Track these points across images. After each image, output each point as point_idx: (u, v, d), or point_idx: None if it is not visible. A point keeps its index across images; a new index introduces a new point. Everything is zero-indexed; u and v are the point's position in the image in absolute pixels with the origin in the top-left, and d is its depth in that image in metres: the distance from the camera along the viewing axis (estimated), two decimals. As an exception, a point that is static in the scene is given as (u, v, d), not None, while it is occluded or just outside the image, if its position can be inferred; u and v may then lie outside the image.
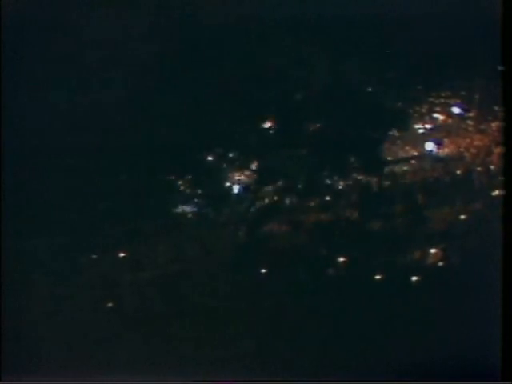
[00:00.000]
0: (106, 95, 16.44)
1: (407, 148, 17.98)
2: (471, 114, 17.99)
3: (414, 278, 12.25)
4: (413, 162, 17.82)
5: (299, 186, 16.83)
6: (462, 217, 15.32)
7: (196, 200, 16.46)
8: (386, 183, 17.11)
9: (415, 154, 17.91)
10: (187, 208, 16.37)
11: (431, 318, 11.02)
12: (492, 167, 16.56)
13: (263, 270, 14.53)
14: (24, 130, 15.79)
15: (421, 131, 18.05)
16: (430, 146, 17.88)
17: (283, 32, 16.81)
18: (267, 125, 17.29)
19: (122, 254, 14.75)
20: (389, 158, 17.58)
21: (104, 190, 16.06)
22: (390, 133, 17.96)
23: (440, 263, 12.52)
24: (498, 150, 16.71)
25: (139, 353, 10.55)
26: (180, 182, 16.69)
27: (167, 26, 16.80)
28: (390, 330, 10.81)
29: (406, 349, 10.43)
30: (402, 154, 17.83)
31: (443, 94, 18.26)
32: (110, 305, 11.77)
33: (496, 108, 16.98)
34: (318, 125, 17.45)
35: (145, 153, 16.25)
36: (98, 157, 16.20)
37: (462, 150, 17.86)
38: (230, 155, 17.23)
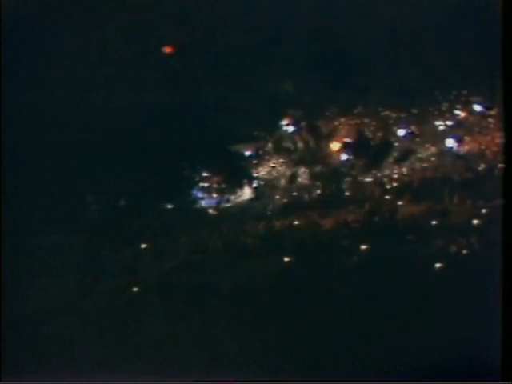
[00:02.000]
0: (116, 94, 16.58)
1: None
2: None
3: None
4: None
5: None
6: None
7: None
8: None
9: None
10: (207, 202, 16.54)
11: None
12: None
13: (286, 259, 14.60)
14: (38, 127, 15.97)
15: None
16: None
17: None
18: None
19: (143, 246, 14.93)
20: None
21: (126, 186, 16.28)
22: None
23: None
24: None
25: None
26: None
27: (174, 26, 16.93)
28: (390, 326, 10.81)
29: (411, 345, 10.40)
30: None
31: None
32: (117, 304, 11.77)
33: None
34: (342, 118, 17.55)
35: (163, 150, 16.45)
36: (122, 154, 16.43)
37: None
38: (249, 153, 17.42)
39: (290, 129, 17.46)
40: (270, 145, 17.46)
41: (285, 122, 17.47)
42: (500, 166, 16.85)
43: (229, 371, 9.53)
